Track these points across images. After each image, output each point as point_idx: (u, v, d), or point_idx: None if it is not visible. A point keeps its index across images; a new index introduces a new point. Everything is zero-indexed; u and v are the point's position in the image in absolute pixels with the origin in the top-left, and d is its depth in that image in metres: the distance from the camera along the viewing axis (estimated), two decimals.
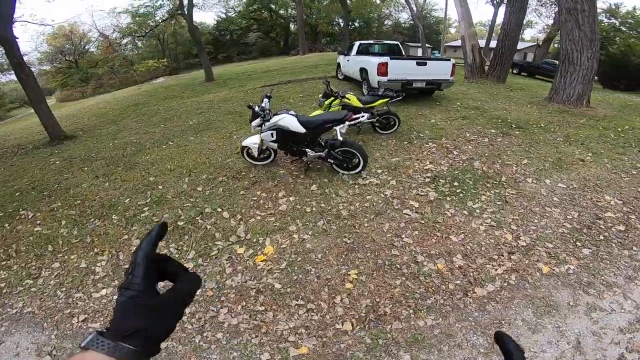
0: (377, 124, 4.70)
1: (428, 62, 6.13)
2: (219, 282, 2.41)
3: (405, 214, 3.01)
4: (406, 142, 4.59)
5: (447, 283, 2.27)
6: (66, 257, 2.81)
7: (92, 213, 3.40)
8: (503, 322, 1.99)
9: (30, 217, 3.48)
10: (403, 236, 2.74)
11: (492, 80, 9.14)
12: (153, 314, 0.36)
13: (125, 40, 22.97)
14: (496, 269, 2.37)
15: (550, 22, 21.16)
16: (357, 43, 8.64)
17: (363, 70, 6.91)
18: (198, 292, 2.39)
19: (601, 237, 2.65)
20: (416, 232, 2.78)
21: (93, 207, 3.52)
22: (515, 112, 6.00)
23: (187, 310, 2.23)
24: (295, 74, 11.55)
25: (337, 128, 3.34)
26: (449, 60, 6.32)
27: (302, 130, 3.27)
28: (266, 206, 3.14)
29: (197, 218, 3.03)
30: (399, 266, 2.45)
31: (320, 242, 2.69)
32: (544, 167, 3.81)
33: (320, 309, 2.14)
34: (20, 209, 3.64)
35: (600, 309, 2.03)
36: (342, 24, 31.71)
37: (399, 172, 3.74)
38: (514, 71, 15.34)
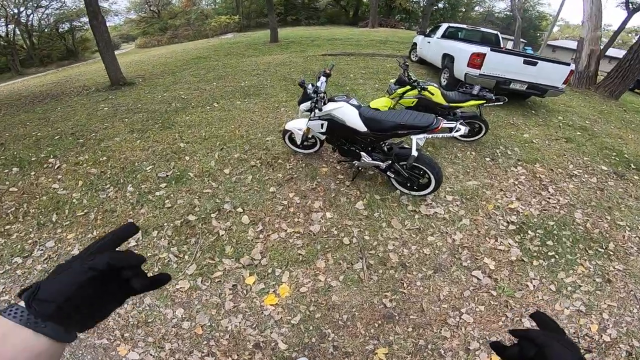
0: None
1: (539, 62, 4.52)
2: (213, 319, 1.75)
3: (475, 276, 2.04)
4: (489, 159, 3.38)
5: None
6: (64, 234, 2.33)
7: (110, 177, 2.93)
8: None
9: (56, 167, 3.14)
10: (463, 310, 1.84)
11: (602, 94, 7.07)
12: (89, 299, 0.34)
13: None
14: None
15: None
16: (445, 25, 6.95)
17: (447, 57, 5.50)
18: (186, 325, 1.75)
19: None
20: (481, 308, 1.87)
21: (115, 168, 3.06)
22: (634, 145, 4.33)
23: (168, 346, 1.59)
24: (360, 46, 10.13)
25: (415, 138, 2.22)
26: (568, 65, 4.64)
27: (363, 128, 2.30)
28: (296, 219, 2.34)
29: (212, 215, 2.35)
30: (443, 352, 1.65)
31: (351, 297, 1.86)
32: None
33: None
34: (51, 156, 3.33)
35: None
36: (423, 2, 27.78)
37: (475, 204, 2.67)
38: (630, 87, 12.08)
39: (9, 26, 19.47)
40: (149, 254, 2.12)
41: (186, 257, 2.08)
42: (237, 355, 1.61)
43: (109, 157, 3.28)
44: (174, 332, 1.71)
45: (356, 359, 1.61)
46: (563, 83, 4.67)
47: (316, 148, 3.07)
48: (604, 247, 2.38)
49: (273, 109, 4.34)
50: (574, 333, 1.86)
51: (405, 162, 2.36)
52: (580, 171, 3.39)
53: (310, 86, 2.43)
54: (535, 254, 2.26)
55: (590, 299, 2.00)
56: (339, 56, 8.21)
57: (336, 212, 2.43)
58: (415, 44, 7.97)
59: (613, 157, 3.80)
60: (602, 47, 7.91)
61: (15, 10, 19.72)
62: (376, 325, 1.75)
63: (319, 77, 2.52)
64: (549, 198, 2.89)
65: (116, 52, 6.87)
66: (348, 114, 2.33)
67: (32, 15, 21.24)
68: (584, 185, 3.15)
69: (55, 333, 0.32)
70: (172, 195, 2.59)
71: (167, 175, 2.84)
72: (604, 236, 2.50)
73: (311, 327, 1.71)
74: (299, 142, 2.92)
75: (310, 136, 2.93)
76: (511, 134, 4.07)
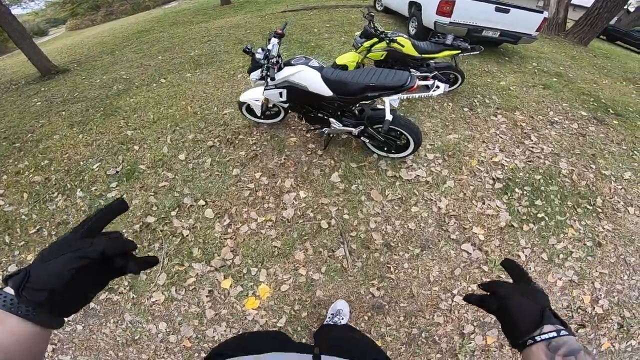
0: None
1: (512, 9, 4.19)
2: (197, 330, 1.60)
3: (465, 250, 1.94)
4: (467, 110, 3.19)
5: None
6: (23, 255, 2.05)
7: (56, 183, 2.54)
8: None
9: None
10: (455, 291, 1.77)
11: (572, 41, 7.06)
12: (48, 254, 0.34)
13: None
14: None
15: None
16: None
17: (413, 5, 5.03)
18: (173, 339, 1.63)
19: None
20: (473, 287, 1.80)
21: (59, 172, 2.65)
22: (609, 90, 4.25)
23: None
24: None
25: (388, 99, 1.93)
26: (542, 12, 4.35)
27: (328, 93, 1.98)
28: (266, 205, 2.11)
29: (172, 213, 2.08)
30: (437, 339, 1.61)
31: (336, 290, 1.74)
32: None
33: None
34: None
35: None
36: None
37: (458, 161, 2.51)
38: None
39: None
40: None
41: (154, 266, 1.85)
42: None
43: (50, 159, 2.84)
44: (163, 347, 1.59)
45: None
46: (536, 30, 4.44)
47: (280, 117, 2.74)
48: (592, 204, 2.33)
49: (229, 77, 3.85)
50: (568, 307, 1.83)
51: (378, 125, 2.11)
52: (561, 117, 3.28)
53: (259, 51, 2.03)
54: (524, 216, 2.17)
55: (582, 267, 1.96)
56: (301, 11, 7.37)
57: (310, 190, 2.21)
58: None
59: (591, 103, 3.70)
60: None
61: None
62: (366, 318, 1.66)
63: (270, 39, 2.11)
64: (532, 147, 2.79)
65: (44, 39, 5.87)
66: (309, 78, 1.99)
67: None
68: (565, 132, 3.05)
69: (45, 320, 0.32)
70: (125, 195, 2.27)
71: (117, 172, 2.49)
72: (591, 190, 2.44)
73: (299, 328, 1.60)
74: (259, 114, 2.58)
75: (271, 105, 2.59)
76: (487, 82, 3.84)
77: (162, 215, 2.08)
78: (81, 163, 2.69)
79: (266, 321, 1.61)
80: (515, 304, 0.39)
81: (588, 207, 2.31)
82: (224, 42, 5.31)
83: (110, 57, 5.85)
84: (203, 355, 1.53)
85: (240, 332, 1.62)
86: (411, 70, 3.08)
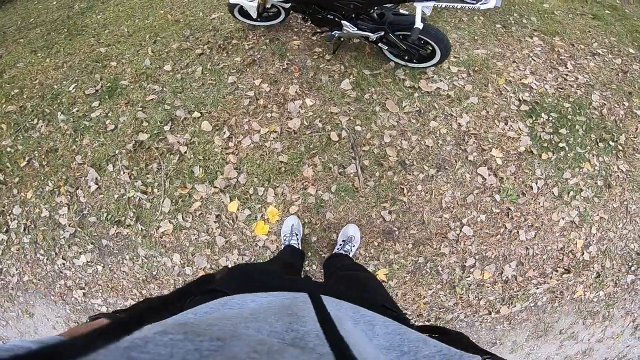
0: None
1: None
2: (210, 259, 1.54)
3: (480, 174, 1.77)
4: (500, 27, 2.67)
5: (480, 298, 1.72)
6: (22, 194, 1.92)
7: (33, 110, 2.26)
8: (499, 341, 1.78)
9: None
10: (464, 221, 1.66)
11: None
12: None
13: None
14: (537, 288, 1.78)
15: None
16: None
17: None
18: (189, 271, 1.67)
19: None
20: (482, 218, 1.69)
21: (33, 98, 2.34)
22: None
23: None
24: None
25: (420, 5, 1.52)
26: None
27: None
28: (269, 114, 1.84)
29: (165, 128, 1.83)
30: (440, 270, 1.61)
31: (346, 212, 1.62)
32: None
33: None
34: None
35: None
36: None
37: (484, 78, 2.17)
38: None
39: None
40: (116, 196, 1.77)
41: (155, 190, 1.71)
42: None
43: (20, 88, 2.49)
44: (182, 281, 1.59)
45: None
46: None
47: (281, 18, 2.27)
48: (615, 140, 2.09)
49: None
50: (561, 249, 1.81)
51: (401, 32, 1.72)
52: (605, 50, 2.75)
53: None
54: (545, 143, 1.96)
55: (586, 209, 1.86)
56: None
57: (318, 97, 1.92)
58: None
59: None
60: None
61: None
62: (375, 244, 1.57)
63: None
64: (566, 75, 2.41)
65: None
66: None
67: None
68: (606, 66, 2.59)
69: None
70: (110, 113, 2.01)
71: (97, 91, 2.17)
72: (618, 126, 2.17)
73: (309, 254, 1.53)
74: (254, 16, 2.13)
75: (269, 5, 2.12)
76: (528, 1, 3.19)
77: (155, 131, 1.84)
78: (55, 86, 2.36)
79: (277, 246, 1.56)
80: None
81: (610, 143, 2.10)
82: None
83: None
84: None
85: (252, 259, 1.56)
86: None
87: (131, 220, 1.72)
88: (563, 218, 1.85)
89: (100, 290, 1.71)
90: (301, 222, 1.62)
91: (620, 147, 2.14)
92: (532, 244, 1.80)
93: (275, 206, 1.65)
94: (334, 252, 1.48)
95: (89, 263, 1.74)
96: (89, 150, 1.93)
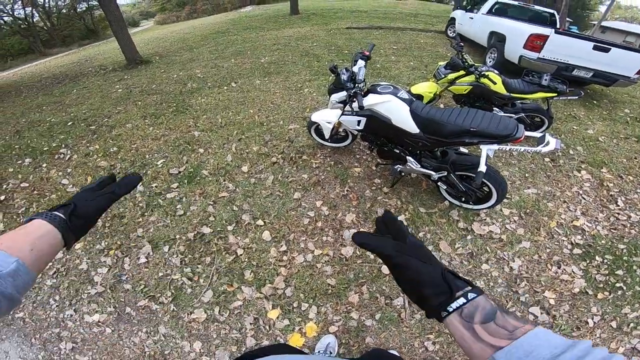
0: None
1: (613, 49, 3.65)
2: (233, 356, 1.44)
3: (532, 313, 1.64)
4: (548, 160, 2.74)
5: None
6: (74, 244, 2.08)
7: (120, 172, 2.60)
8: None
9: (67, 158, 2.83)
10: None
11: None
12: (85, 195, 0.46)
13: None
14: None
15: None
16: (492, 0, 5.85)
17: (495, 35, 4.71)
18: None
19: None
20: None
21: (125, 161, 2.71)
22: None
23: None
24: (388, 20, 8.97)
25: (486, 148, 1.62)
26: None
27: (415, 130, 1.73)
28: (324, 237, 1.90)
29: (229, 228, 1.95)
30: None
31: (387, 339, 1.53)
32: None
33: None
34: (63, 145, 3.02)
35: None
36: None
37: (536, 221, 2.13)
38: None
39: (26, 9, 19.02)
40: (160, 274, 1.80)
41: (201, 280, 1.73)
42: None
43: (119, 147, 2.93)
44: None
45: None
46: (636, 73, 3.79)
47: (347, 142, 2.55)
48: None
49: (296, 90, 3.78)
50: None
51: (463, 173, 1.81)
52: None
53: (344, 72, 1.83)
54: (601, 284, 1.79)
55: None
56: (366, 30, 7.28)
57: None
58: (453, 18, 6.86)
59: None
60: None
61: None
62: None
63: (356, 61, 1.92)
64: (618, 214, 2.30)
65: (135, 30, 6.41)
66: (396, 110, 1.76)
67: None
68: None
69: (70, 239, 0.43)
70: (184, 198, 2.21)
71: (180, 172, 2.45)
72: None
73: None
74: (327, 136, 2.40)
75: (341, 129, 2.41)
76: (573, 129, 3.32)
77: (219, 228, 1.96)
78: (147, 156, 2.72)
79: None
80: (414, 270, 0.37)
81: None
82: (291, 53, 5.33)
83: (189, 53, 6.19)
84: None
85: None
86: (494, 109, 2.74)
87: (166, 299, 1.70)
88: (623, 346, 1.58)
89: (94, 350, 1.59)
90: (337, 342, 1.50)
91: None
92: None
93: (316, 323, 1.57)
94: None
95: (100, 323, 1.67)
96: (152, 227, 2.07)
